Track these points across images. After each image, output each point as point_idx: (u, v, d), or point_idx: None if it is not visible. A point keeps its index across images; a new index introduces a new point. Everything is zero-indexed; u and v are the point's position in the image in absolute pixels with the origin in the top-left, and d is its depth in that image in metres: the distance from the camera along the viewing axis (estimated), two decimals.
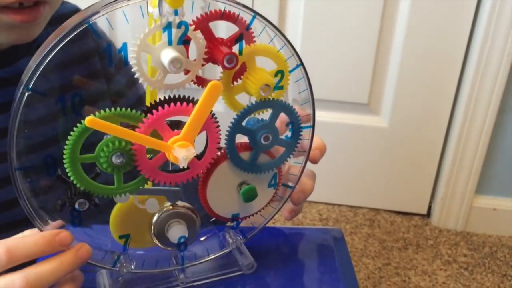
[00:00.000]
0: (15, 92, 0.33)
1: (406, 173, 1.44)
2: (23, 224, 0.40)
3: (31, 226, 0.39)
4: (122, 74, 0.59)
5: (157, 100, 0.38)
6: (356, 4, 1.23)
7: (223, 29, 0.41)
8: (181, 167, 0.38)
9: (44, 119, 0.40)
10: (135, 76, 0.36)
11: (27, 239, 0.37)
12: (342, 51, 1.29)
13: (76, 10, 0.62)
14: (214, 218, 0.45)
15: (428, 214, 1.48)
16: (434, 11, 1.22)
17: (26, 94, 0.33)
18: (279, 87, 0.41)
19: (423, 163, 1.42)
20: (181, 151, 0.37)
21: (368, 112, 1.37)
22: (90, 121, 0.34)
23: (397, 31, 1.26)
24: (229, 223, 0.46)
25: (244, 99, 0.42)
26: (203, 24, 0.38)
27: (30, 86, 0.33)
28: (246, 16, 0.39)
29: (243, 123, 0.41)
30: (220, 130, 0.40)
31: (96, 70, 0.58)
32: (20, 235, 0.39)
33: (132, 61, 0.36)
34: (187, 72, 0.39)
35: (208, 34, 0.39)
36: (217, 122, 0.39)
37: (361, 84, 1.32)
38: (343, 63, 1.29)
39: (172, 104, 0.37)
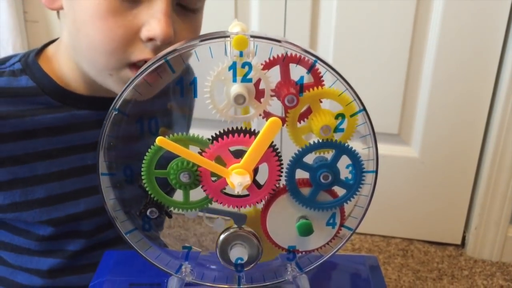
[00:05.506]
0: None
1: (439, 203, 1.38)
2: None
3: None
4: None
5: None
6: (385, 35, 1.23)
7: None
8: (236, 192, 0.41)
9: (129, 137, 0.46)
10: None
11: None
12: (371, 82, 1.27)
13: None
14: None
15: (463, 244, 1.41)
16: (464, 40, 1.19)
17: (114, 113, 0.40)
18: (340, 129, 0.42)
19: (456, 193, 1.37)
20: (237, 177, 0.41)
21: (399, 142, 1.35)
22: (160, 141, 0.40)
23: (426, 61, 1.24)
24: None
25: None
26: (273, 65, 0.42)
27: (117, 107, 0.40)
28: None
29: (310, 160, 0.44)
30: (280, 163, 0.43)
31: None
32: None
33: (206, 95, 0.41)
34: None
35: (285, 74, 0.43)
36: (279, 155, 0.42)
37: (391, 115, 1.32)
38: (373, 93, 1.27)
39: (236, 134, 0.41)
